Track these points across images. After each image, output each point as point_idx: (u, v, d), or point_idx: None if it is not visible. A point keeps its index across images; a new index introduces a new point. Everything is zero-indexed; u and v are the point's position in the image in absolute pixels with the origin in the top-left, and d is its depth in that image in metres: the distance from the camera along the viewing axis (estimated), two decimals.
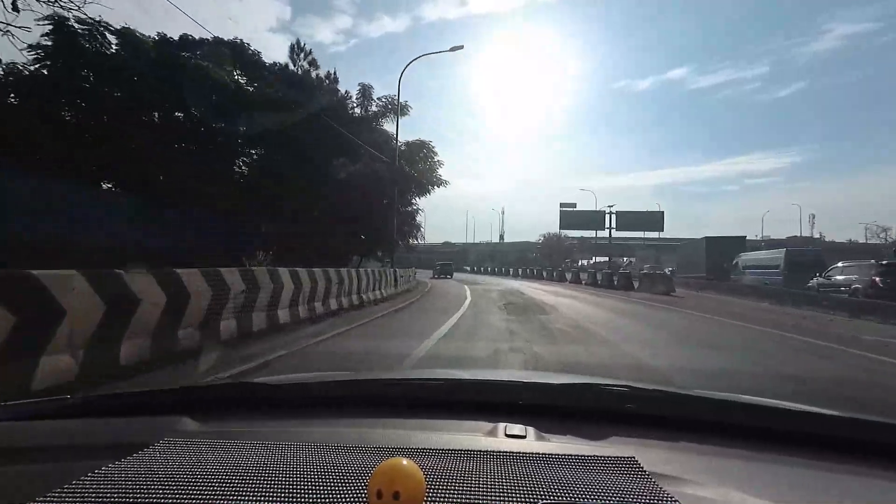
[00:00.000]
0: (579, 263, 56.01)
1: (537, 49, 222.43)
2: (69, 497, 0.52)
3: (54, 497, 0.52)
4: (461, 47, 17.59)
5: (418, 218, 23.50)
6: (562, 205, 51.95)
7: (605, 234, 47.23)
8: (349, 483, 0.55)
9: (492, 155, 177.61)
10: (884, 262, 13.83)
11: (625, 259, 61.57)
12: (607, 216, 45.93)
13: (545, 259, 56.50)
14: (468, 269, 53.95)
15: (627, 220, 48.55)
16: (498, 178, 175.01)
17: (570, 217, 51.33)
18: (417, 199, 22.40)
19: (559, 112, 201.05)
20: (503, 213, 79.21)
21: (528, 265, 45.10)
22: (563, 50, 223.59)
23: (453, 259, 46.86)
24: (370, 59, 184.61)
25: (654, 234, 54.00)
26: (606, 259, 50.46)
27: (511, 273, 41.52)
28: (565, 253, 60.39)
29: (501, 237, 78.07)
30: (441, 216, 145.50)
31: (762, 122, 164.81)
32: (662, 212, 51.46)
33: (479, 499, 0.53)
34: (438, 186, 22.43)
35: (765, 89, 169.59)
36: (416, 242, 24.43)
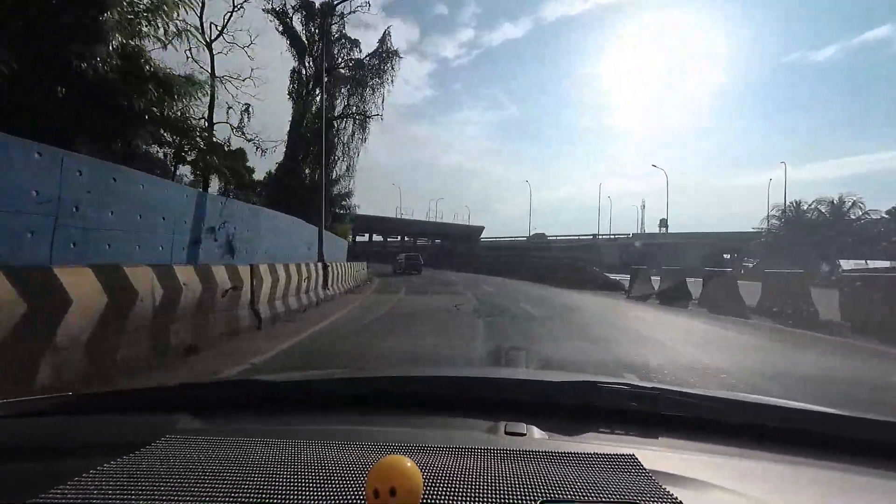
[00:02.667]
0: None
1: (679, 31, 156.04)
2: (70, 495, 0.52)
3: (55, 495, 0.52)
4: None
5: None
6: None
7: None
8: (348, 480, 0.55)
9: (639, 151, 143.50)
10: None
11: None
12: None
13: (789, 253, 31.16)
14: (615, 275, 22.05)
15: None
16: (648, 175, 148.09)
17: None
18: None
19: (713, 98, 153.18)
20: (643, 207, 60.06)
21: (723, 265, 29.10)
22: (713, 28, 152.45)
23: (580, 253, 36.79)
24: (491, 68, 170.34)
25: None
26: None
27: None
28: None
29: (663, 223, 49.47)
30: (570, 214, 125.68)
31: None
32: None
33: (477, 496, 0.53)
34: None
35: None
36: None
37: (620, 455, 0.67)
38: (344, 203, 27.07)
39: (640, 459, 0.66)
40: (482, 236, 67.63)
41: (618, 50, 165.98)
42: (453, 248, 58.08)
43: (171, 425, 0.78)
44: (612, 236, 56.30)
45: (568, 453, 0.67)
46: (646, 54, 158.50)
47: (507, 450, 0.68)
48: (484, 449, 0.67)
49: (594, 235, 56.88)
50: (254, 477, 0.56)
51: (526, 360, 4.54)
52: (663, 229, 50.31)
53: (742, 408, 0.92)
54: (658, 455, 0.71)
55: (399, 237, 64.98)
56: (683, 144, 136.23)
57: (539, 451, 0.68)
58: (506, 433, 0.79)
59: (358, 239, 51.45)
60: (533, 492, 0.54)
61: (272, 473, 0.56)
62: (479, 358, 4.62)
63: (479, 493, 0.53)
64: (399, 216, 63.82)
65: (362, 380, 1.13)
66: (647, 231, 54.50)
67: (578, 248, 47.22)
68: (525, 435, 0.79)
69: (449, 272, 31.36)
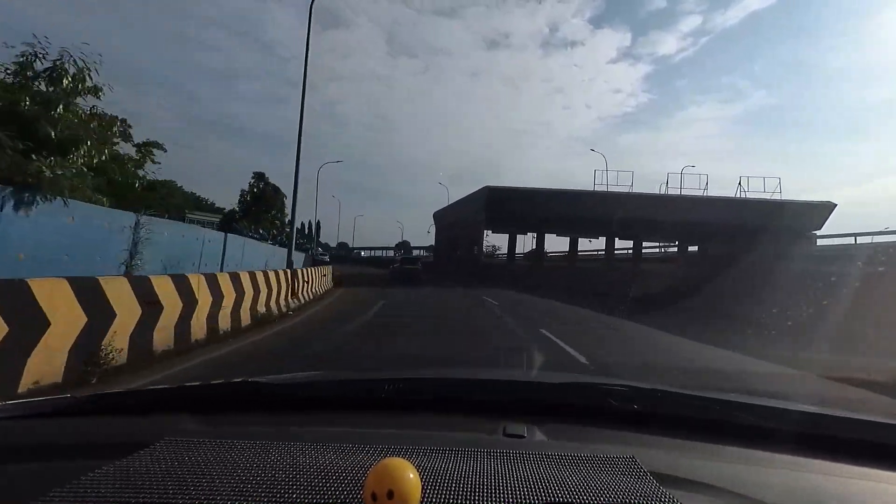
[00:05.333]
0: None
1: None
2: (70, 497, 0.51)
3: (55, 497, 0.51)
4: None
5: None
6: None
7: None
8: (346, 482, 0.55)
9: None
10: None
11: None
12: None
13: None
14: None
15: None
16: None
17: None
18: None
19: None
20: None
21: None
22: None
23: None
24: (727, 54, 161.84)
25: None
26: None
27: None
28: None
29: None
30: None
31: None
32: None
33: (477, 499, 0.52)
34: None
35: None
36: None
37: (620, 457, 0.67)
38: None
39: (640, 461, 0.66)
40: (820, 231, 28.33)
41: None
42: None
43: (171, 426, 0.79)
44: None
45: (568, 455, 0.67)
46: None
47: (506, 452, 0.67)
48: (483, 451, 0.67)
49: None
50: (253, 479, 0.56)
51: (526, 361, 4.47)
52: None
53: (742, 409, 0.92)
54: (658, 457, 0.71)
55: (609, 235, 32.02)
56: None
57: (539, 453, 0.68)
58: (505, 435, 0.80)
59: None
60: (533, 494, 0.54)
61: (271, 475, 0.56)
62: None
63: (478, 495, 0.53)
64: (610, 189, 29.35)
65: (362, 382, 1.13)
66: None
67: None
68: (525, 437, 0.79)
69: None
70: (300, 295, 10.99)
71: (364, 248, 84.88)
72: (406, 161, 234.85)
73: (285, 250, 16.56)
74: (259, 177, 49.28)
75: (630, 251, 35.76)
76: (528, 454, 0.67)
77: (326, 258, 37.29)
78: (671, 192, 30.26)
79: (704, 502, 0.57)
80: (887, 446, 0.78)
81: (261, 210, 47.07)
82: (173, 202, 47.07)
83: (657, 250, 38.89)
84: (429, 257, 52.22)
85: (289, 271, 10.45)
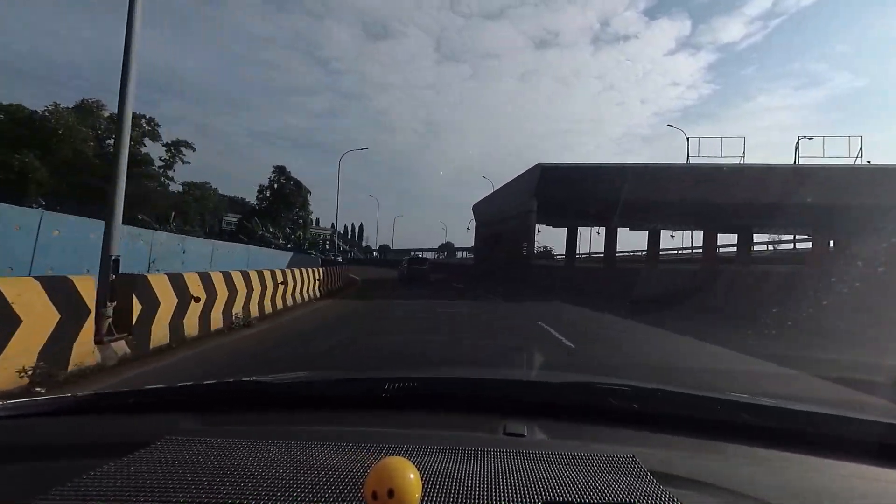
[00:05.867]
0: None
1: None
2: (71, 496, 0.52)
3: (55, 496, 0.52)
4: None
5: None
6: None
7: None
8: (347, 481, 0.55)
9: None
10: None
11: None
12: None
13: None
14: None
15: None
16: None
17: None
18: None
19: None
20: None
21: None
22: None
23: None
24: (799, 37, 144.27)
25: None
26: None
27: None
28: None
29: None
30: None
31: None
32: None
33: (477, 498, 0.52)
34: None
35: None
36: None
37: (621, 456, 0.67)
38: None
39: (640, 460, 0.65)
40: None
41: None
42: None
43: (171, 425, 0.79)
44: None
45: (568, 454, 0.67)
46: None
47: (506, 451, 0.67)
48: (484, 450, 0.67)
49: None
50: (253, 478, 0.56)
51: (526, 361, 4.34)
52: None
53: (743, 409, 0.91)
54: (659, 456, 0.70)
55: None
56: None
57: (539, 452, 0.67)
58: (505, 434, 0.80)
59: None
60: (533, 493, 0.53)
61: (272, 474, 0.57)
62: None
63: (478, 494, 0.53)
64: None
65: (362, 380, 1.13)
66: None
67: None
68: (525, 436, 0.79)
69: None
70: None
71: (405, 251, 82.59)
72: (453, 164, 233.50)
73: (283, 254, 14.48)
74: (279, 171, 44.04)
75: (732, 248, 26.86)
76: (529, 453, 0.67)
77: (339, 259, 33.66)
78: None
79: (705, 501, 0.58)
80: (890, 445, 0.77)
81: (279, 207, 41.72)
82: (208, 205, 42.77)
83: (766, 247, 29.59)
84: (469, 259, 45.33)
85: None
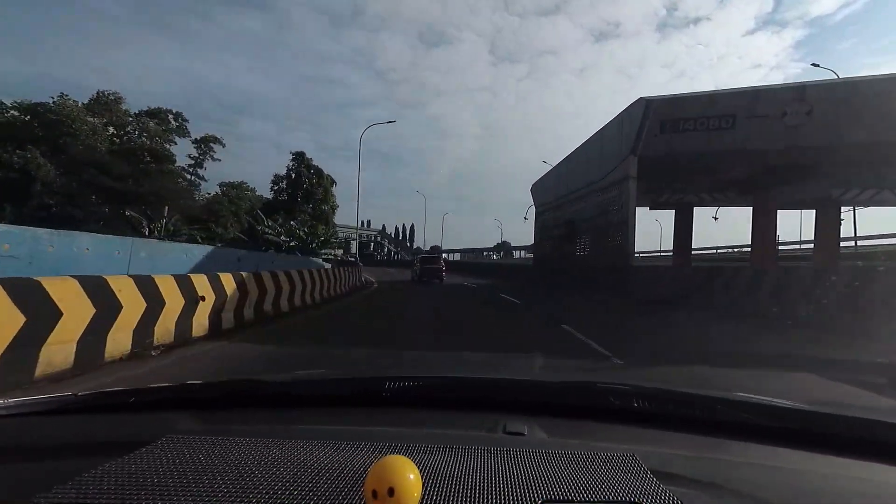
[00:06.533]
0: None
1: None
2: (71, 494, 0.52)
3: (56, 494, 0.52)
4: None
5: None
6: None
7: None
8: (347, 480, 0.55)
9: None
10: None
11: None
12: None
13: None
14: None
15: None
16: None
17: None
18: None
19: None
20: None
21: None
22: None
23: None
24: None
25: None
26: None
27: None
28: None
29: None
30: None
31: None
32: None
33: (477, 496, 0.52)
34: None
35: None
36: None
37: (621, 454, 0.66)
38: None
39: (640, 458, 0.65)
40: None
41: None
42: None
43: (171, 425, 0.78)
44: None
45: (568, 453, 0.67)
46: None
47: (506, 449, 0.67)
48: (484, 448, 0.67)
49: None
50: (253, 477, 0.56)
51: (526, 360, 4.37)
52: None
53: (743, 407, 0.91)
54: (659, 455, 0.70)
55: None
56: None
57: (539, 451, 0.67)
58: (505, 432, 0.80)
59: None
60: (533, 491, 0.53)
61: (272, 473, 0.56)
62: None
63: (478, 493, 0.53)
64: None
65: (362, 380, 1.13)
66: None
67: None
68: (525, 434, 0.79)
69: None
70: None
71: (456, 251, 76.14)
72: (511, 165, 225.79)
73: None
74: (298, 157, 36.02)
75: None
76: (529, 451, 0.66)
77: (353, 259, 29.12)
78: None
79: (704, 500, 0.57)
80: (890, 444, 0.77)
81: (296, 199, 33.63)
82: (243, 205, 36.10)
83: None
84: (527, 260, 36.16)
85: None
